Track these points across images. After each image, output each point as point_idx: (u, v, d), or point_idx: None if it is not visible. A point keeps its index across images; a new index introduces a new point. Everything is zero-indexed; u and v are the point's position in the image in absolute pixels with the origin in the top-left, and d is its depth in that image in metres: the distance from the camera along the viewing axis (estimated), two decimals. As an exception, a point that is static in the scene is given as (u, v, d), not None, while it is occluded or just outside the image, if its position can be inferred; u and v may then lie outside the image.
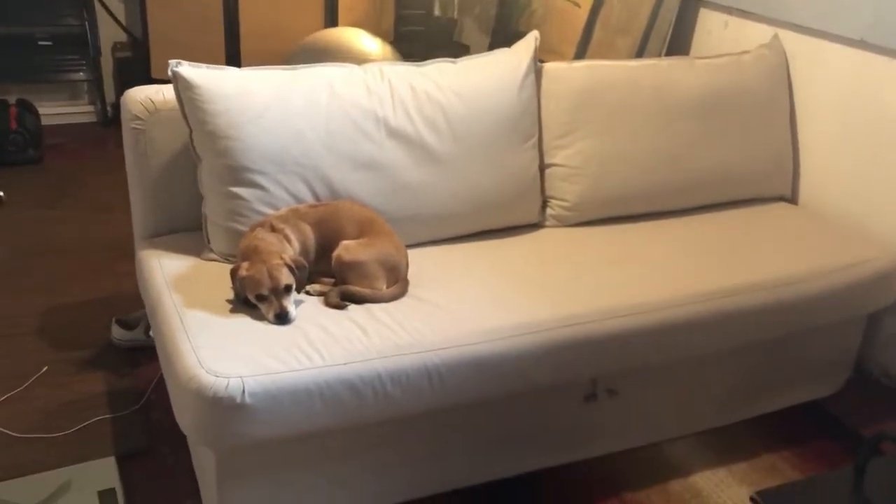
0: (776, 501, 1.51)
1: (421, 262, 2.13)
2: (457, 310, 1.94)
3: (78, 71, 4.54)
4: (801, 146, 2.81)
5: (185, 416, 1.73)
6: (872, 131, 2.56)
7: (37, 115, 4.15)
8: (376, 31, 3.96)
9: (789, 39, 2.80)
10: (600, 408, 2.13)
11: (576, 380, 2.05)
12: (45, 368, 2.45)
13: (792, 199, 2.83)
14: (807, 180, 2.80)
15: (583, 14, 3.52)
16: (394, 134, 2.19)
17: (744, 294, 2.15)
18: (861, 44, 2.56)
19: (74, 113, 4.69)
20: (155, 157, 2.15)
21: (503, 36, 4.07)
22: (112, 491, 2.00)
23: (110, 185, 3.77)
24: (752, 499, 1.52)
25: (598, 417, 2.15)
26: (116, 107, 4.43)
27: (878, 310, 2.45)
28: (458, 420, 1.97)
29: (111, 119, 4.62)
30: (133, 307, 2.68)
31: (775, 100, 2.74)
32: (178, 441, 2.11)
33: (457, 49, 4.41)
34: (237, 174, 2.03)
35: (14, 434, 2.17)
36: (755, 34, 2.90)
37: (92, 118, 4.73)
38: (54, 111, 4.60)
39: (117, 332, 2.58)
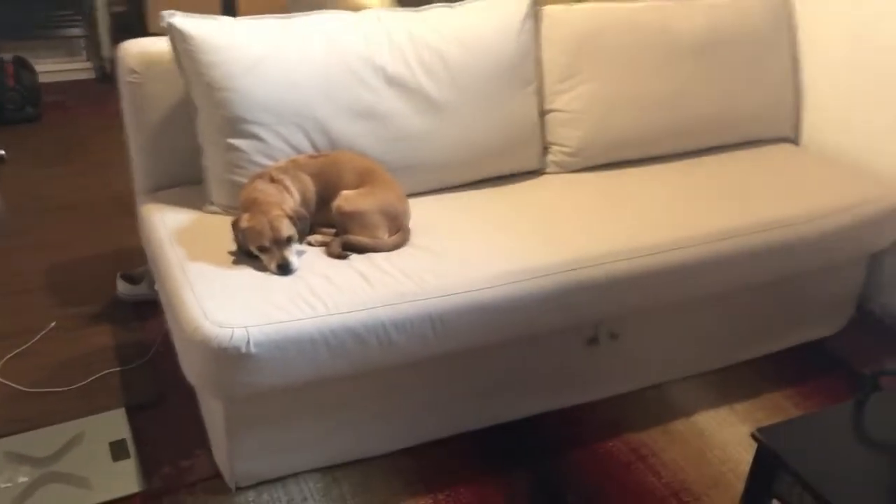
0: (777, 438, 1.53)
1: (422, 211, 2.13)
2: (459, 257, 1.94)
3: (74, 27, 4.50)
4: (803, 86, 2.78)
5: (191, 368, 1.75)
6: (876, 69, 2.53)
7: (33, 73, 4.12)
8: (373, -22, 3.89)
9: (792, -24, 2.75)
10: (603, 351, 2.14)
11: (578, 324, 2.06)
12: (52, 324, 2.47)
13: (795, 139, 2.80)
14: (809, 120, 2.78)
15: (583, -44, 3.45)
16: (392, 82, 2.17)
17: (747, 235, 2.15)
18: (865, -21, 2.52)
19: (72, 70, 4.66)
20: (153, 111, 2.14)
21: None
22: (123, 442, 2.03)
23: (110, 142, 3.76)
24: (752, 435, 1.54)
25: (601, 360, 2.17)
26: (113, 62, 4.39)
27: (880, 249, 2.45)
28: (462, 365, 1.99)
29: (109, 75, 4.58)
30: (137, 262, 2.70)
31: (777, 39, 2.70)
32: (187, 392, 2.14)
33: (456, -5, 4.34)
34: (235, 125, 2.02)
35: (25, 388, 2.20)
36: (758, -28, 2.84)
37: (90, 75, 4.70)
38: (51, 68, 4.57)
39: (122, 287, 2.60)
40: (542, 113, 2.45)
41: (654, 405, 2.24)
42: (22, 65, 4.09)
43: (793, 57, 2.75)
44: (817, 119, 2.75)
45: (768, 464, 1.54)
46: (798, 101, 2.78)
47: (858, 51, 2.58)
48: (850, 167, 2.58)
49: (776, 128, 2.74)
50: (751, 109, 2.66)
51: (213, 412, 1.89)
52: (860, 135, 2.60)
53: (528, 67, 2.37)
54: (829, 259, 2.33)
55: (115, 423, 2.09)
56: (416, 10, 2.30)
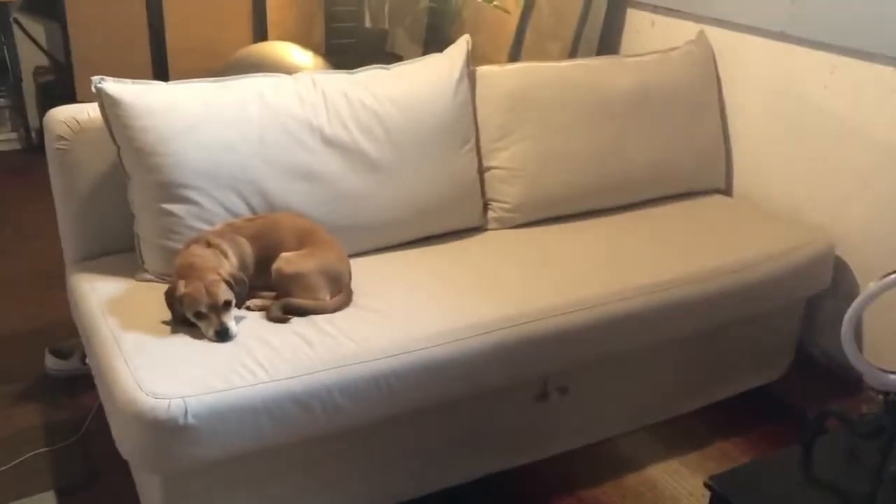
0: (730, 485, 1.53)
1: (364, 271, 2.10)
2: (402, 316, 1.91)
3: (-2, 98, 4.40)
4: (732, 138, 2.86)
5: (126, 442, 1.67)
6: (798, 120, 2.63)
7: (-43, 145, 4.00)
8: (306, 44, 3.92)
9: (715, 35, 2.85)
10: (552, 407, 2.12)
11: (526, 379, 2.04)
12: (-25, 405, 2.35)
13: (726, 190, 2.88)
14: (740, 171, 2.86)
15: (513, 21, 3.54)
16: (330, 143, 2.16)
17: (685, 285, 2.17)
18: (782, 35, 2.63)
19: (-3, 141, 4.54)
20: (82, 178, 2.08)
21: (435, 45, 4.08)
22: (52, 527, 1.92)
23: (39, 213, 3.64)
24: (706, 484, 1.53)
25: (551, 416, 2.15)
26: (41, 133, 4.28)
27: (815, 293, 2.51)
28: (410, 428, 1.94)
29: (36, 146, 4.48)
30: (66, 336, 2.59)
31: (704, 94, 2.79)
32: (122, 470, 2.03)
33: (389, 60, 4.38)
34: (169, 190, 1.98)
35: (-55, 475, 2.07)
36: (681, 31, 2.95)
37: (16, 146, 4.58)
38: (-24, 140, 4.44)
39: (51, 363, 2.48)
40: (481, 171, 2.47)
41: (605, 460, 2.22)
42: (-56, 137, 3.97)
43: (721, 111, 2.84)
44: (747, 170, 2.83)
45: (723, 512, 1.52)
46: (728, 153, 2.87)
47: (780, 102, 2.68)
48: (781, 215, 2.65)
49: (708, 180, 2.81)
50: (683, 163, 2.72)
51: (150, 489, 1.80)
52: (789, 183, 2.68)
53: (464, 127, 2.39)
54: (767, 305, 2.37)
55: (43, 508, 1.98)
56: (350, 73, 2.31)
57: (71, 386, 2.44)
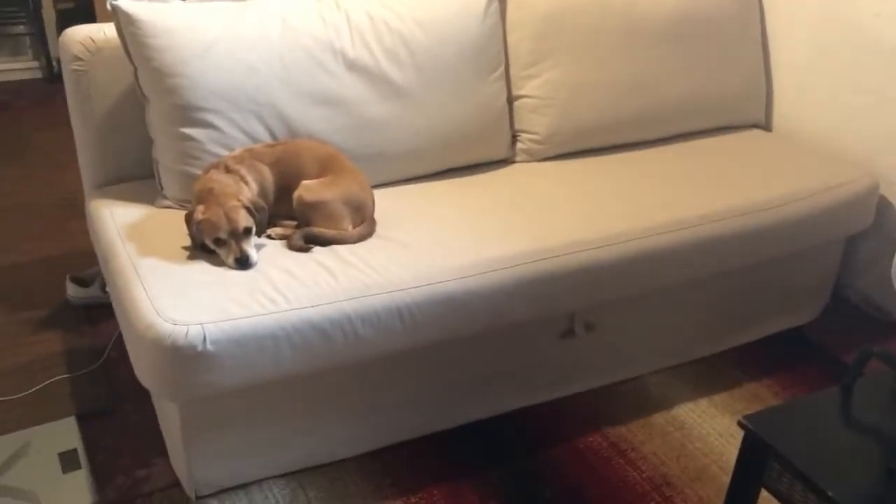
0: (765, 425, 1.47)
1: (388, 202, 2.04)
2: (427, 248, 1.86)
3: (18, 25, 4.33)
4: (773, 70, 2.73)
5: (144, 369, 1.64)
6: (845, 50, 2.49)
7: (-23, 72, 3.96)
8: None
9: (758, -41, 2.70)
10: (578, 343, 2.07)
11: (552, 315, 1.98)
12: (-3, 330, 2.34)
13: (766, 125, 2.76)
14: (780, 105, 2.74)
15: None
16: (353, 66, 2.08)
17: (720, 221, 2.09)
18: (833, -40, 2.48)
19: (18, 69, 4.49)
20: (99, 100, 2.02)
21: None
22: (73, 452, 1.91)
23: (60, 142, 3.61)
24: (739, 423, 1.47)
25: (577, 353, 2.10)
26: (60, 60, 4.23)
27: (855, 233, 2.42)
28: (433, 361, 1.90)
29: (57, 74, 4.42)
30: (88, 265, 2.57)
31: (746, 23, 2.66)
32: (142, 397, 2.03)
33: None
34: (187, 114, 1.91)
35: (-33, 399, 2.07)
36: (724, -44, 2.80)
37: (37, 74, 4.54)
38: (-3, 68, 4.40)
39: (72, 290, 2.47)
40: (510, 99, 2.37)
41: (632, 398, 2.17)
42: (-35, 64, 3.93)
43: (762, 42, 2.70)
44: (788, 104, 2.71)
45: (756, 452, 1.47)
46: (769, 85, 2.74)
47: (826, 34, 2.54)
48: (823, 151, 2.54)
49: (747, 113, 2.69)
50: (721, 95, 2.61)
51: (169, 417, 1.78)
52: (831, 118, 2.56)
53: (493, 52, 2.29)
54: (804, 244, 2.28)
55: (64, 433, 1.97)
56: (375, -7, 2.21)
57: (92, 313, 2.43)
